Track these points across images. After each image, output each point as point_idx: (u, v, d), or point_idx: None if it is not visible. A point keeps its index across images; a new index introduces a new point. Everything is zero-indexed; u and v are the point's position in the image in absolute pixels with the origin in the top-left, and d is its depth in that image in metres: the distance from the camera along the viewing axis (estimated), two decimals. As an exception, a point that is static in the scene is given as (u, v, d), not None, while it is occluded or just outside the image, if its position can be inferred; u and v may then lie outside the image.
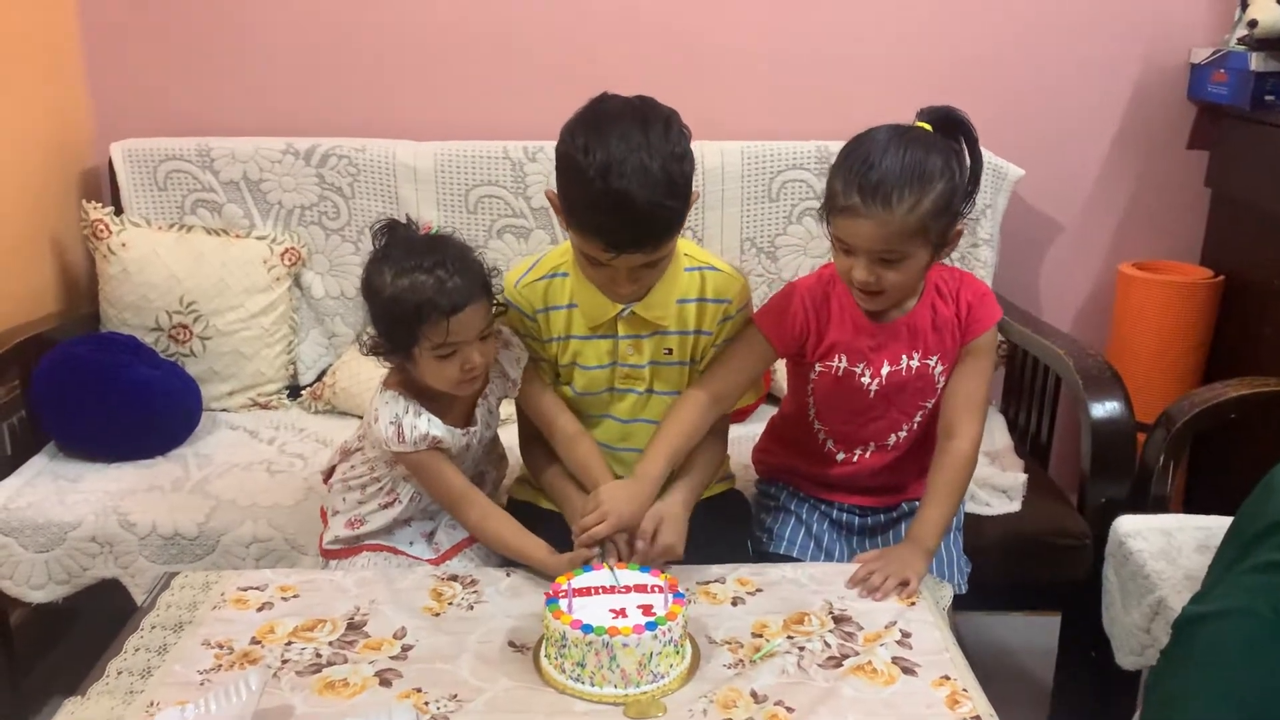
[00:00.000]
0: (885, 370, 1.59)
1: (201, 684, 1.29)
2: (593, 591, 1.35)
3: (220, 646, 1.37)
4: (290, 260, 2.34)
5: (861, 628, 1.41)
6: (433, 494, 1.60)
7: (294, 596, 1.49)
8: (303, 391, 2.37)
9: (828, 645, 1.37)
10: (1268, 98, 2.25)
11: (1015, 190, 2.42)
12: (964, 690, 1.29)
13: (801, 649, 1.36)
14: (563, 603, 1.32)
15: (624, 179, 1.38)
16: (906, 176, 1.42)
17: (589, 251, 1.48)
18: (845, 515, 1.73)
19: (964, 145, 1.51)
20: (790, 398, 1.74)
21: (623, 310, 1.59)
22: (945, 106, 1.51)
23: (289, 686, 1.29)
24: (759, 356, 1.62)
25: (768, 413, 2.22)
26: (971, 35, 2.47)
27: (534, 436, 1.71)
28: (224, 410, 2.31)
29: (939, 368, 1.61)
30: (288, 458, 2.08)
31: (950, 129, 1.50)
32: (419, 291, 1.45)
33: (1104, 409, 1.89)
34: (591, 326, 1.61)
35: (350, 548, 1.67)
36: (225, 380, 2.30)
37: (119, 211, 2.35)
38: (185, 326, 2.26)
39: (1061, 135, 2.52)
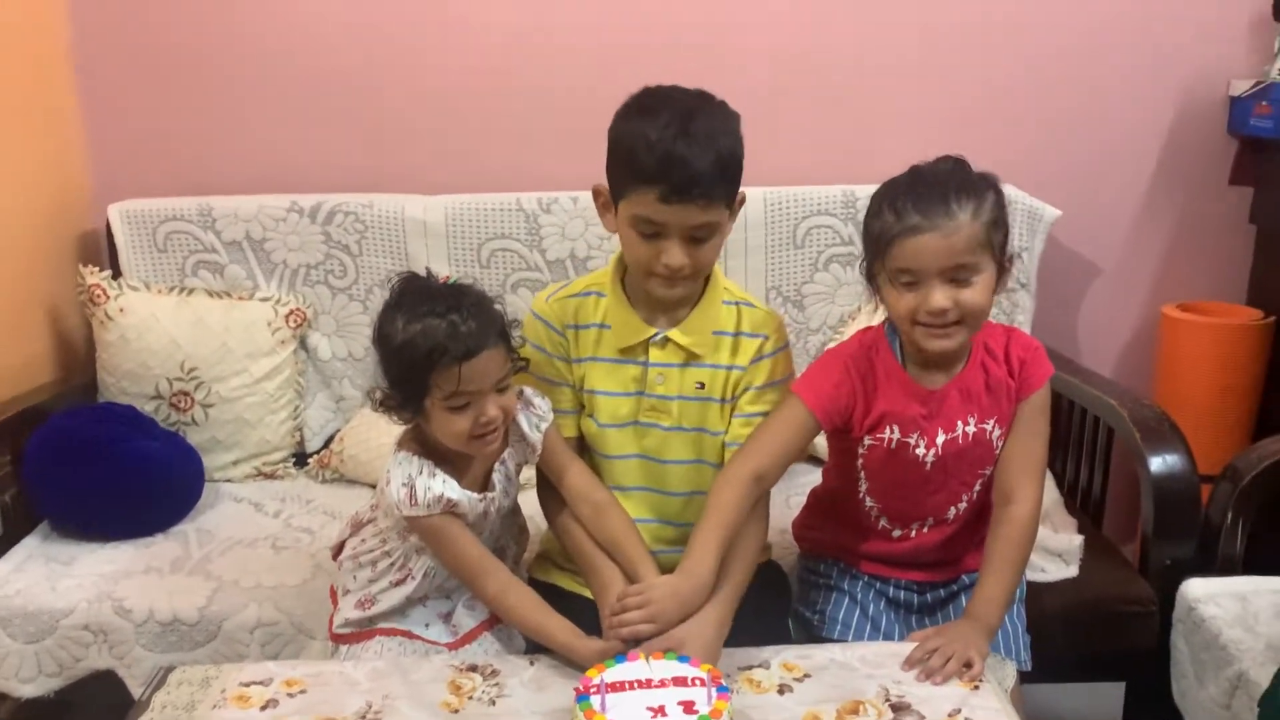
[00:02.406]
0: (941, 440, 1.48)
1: (198, 799, 1.17)
2: (627, 686, 1.23)
3: (220, 752, 1.25)
4: (295, 321, 2.25)
5: (923, 717, 1.28)
6: (447, 565, 1.49)
7: (301, 692, 1.36)
8: (310, 459, 2.26)
9: (888, 739, 1.24)
10: (1316, 129, 2.15)
11: (1051, 232, 2.32)
12: (1043, 789, 1.16)
13: (859, 744, 1.23)
14: (595, 699, 1.20)
15: (685, 128, 1.38)
16: (958, 187, 1.37)
17: (643, 211, 1.41)
18: (903, 593, 1.60)
19: None
20: (835, 472, 1.62)
21: (655, 335, 1.52)
22: (955, 156, 1.45)
23: (295, 799, 1.17)
24: (801, 429, 1.49)
25: (801, 470, 2.14)
26: (1001, 73, 2.39)
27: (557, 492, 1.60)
28: (228, 481, 2.20)
29: (996, 431, 1.50)
30: (294, 532, 1.97)
31: (965, 168, 1.44)
32: (431, 336, 1.36)
33: (1164, 463, 1.77)
34: (621, 349, 1.54)
35: (362, 631, 1.55)
36: (229, 449, 2.20)
37: (117, 275, 2.26)
38: (187, 394, 2.16)
39: (1098, 174, 2.43)
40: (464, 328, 1.37)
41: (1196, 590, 1.67)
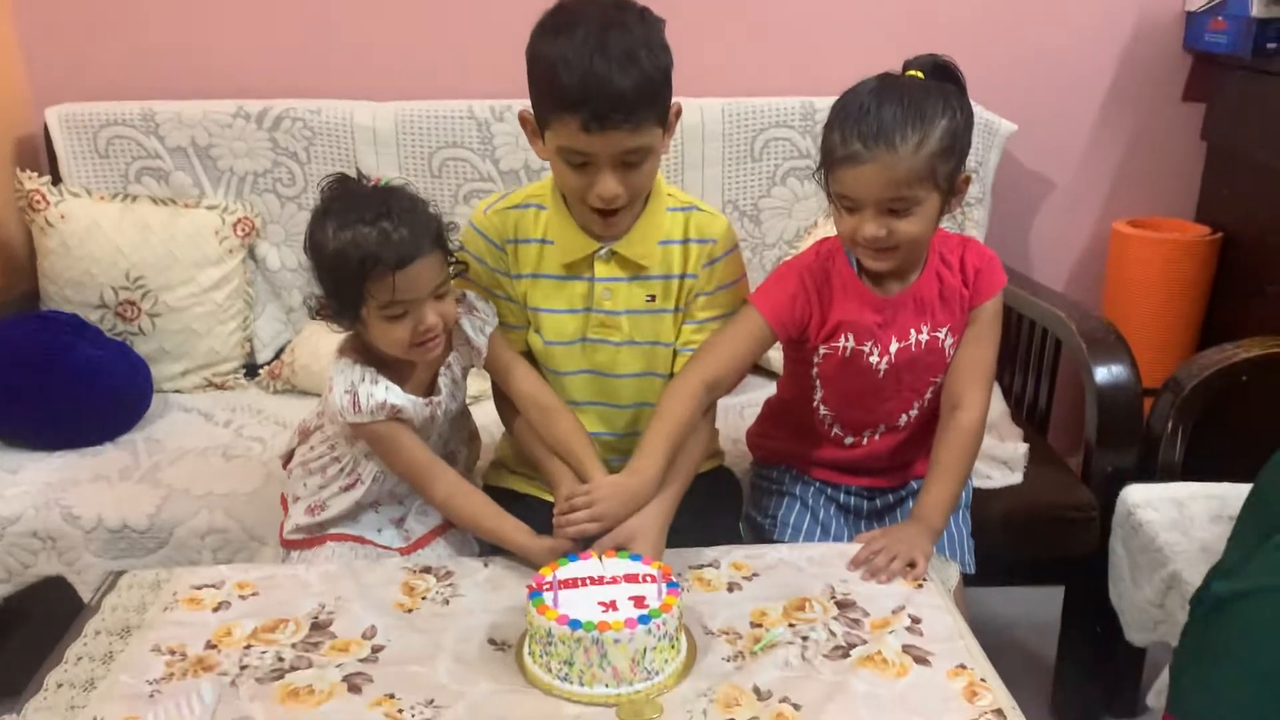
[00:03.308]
0: (894, 347, 1.49)
1: (151, 696, 1.17)
2: (579, 583, 1.24)
3: (172, 653, 1.24)
4: (244, 231, 2.20)
5: (868, 614, 1.31)
6: (395, 470, 1.48)
7: (253, 594, 1.37)
8: (260, 370, 2.23)
9: (833, 634, 1.27)
10: (1269, 45, 2.15)
11: (1006, 146, 2.32)
12: (982, 680, 1.19)
13: (805, 639, 1.26)
14: (547, 596, 1.21)
15: (602, 46, 1.30)
16: (907, 116, 1.34)
17: (568, 141, 1.35)
18: (853, 499, 1.63)
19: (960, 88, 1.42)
20: (789, 381, 1.63)
21: (600, 249, 1.49)
22: (932, 55, 1.42)
23: (248, 695, 1.17)
24: (756, 340, 1.49)
25: (755, 384, 2.15)
26: (959, -15, 2.36)
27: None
28: (176, 392, 2.17)
29: (949, 340, 1.51)
30: (245, 441, 1.96)
31: (941, 76, 1.41)
32: (362, 245, 1.33)
33: (1109, 373, 1.80)
34: (566, 264, 1.50)
35: (313, 537, 1.55)
36: (177, 360, 2.17)
37: (57, 181, 2.20)
38: (132, 303, 2.12)
39: (1053, 89, 2.42)
40: (396, 235, 1.33)
41: (1135, 496, 1.71)
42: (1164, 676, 1.45)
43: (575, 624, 1.15)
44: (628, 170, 1.39)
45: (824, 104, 2.19)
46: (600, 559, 1.29)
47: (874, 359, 1.49)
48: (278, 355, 2.25)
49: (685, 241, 1.52)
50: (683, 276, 1.53)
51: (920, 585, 1.37)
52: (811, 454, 1.62)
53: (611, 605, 1.20)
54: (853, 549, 1.43)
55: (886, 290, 1.48)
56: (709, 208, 1.56)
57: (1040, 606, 2.05)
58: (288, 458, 1.62)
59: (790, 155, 2.26)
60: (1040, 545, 1.82)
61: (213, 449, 1.93)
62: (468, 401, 1.62)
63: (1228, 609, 1.21)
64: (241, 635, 1.28)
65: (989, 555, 1.62)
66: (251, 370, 2.25)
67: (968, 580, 1.55)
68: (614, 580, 1.25)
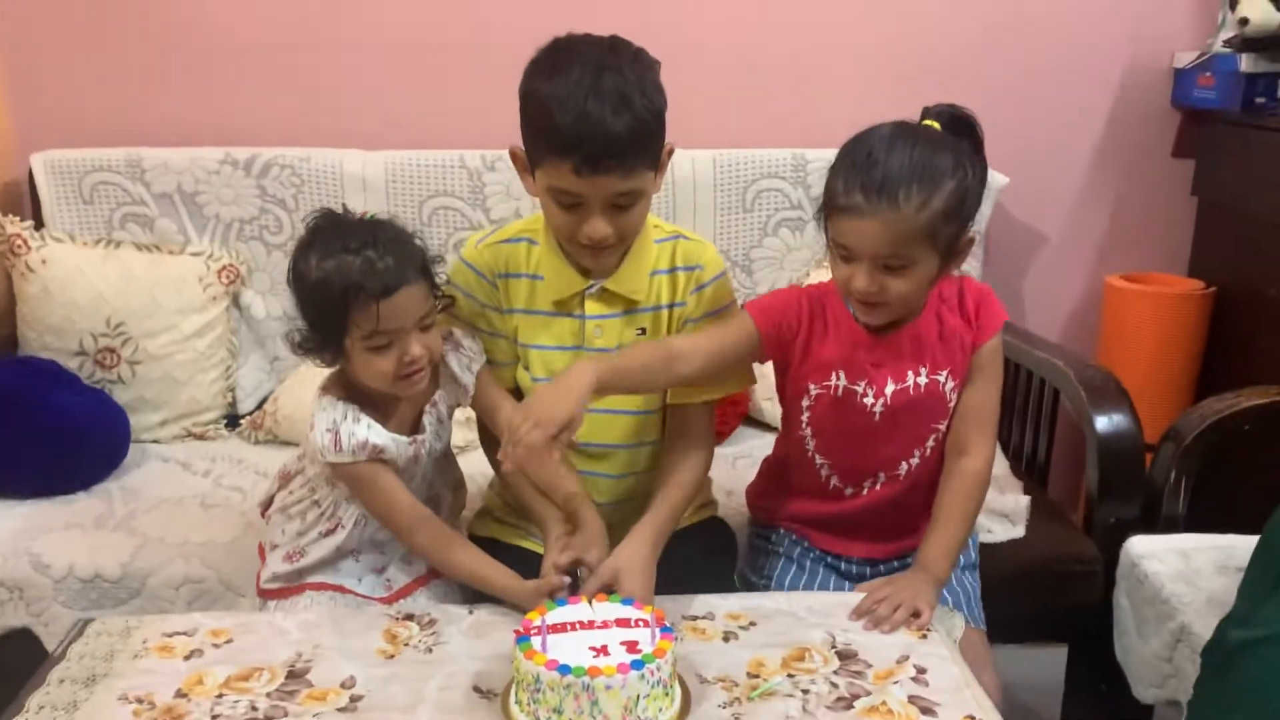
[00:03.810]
0: (890, 389, 1.43)
1: (114, 746, 1.11)
2: (569, 628, 1.19)
3: (140, 701, 1.18)
4: (228, 278, 2.17)
5: (870, 665, 1.25)
6: (376, 514, 1.43)
7: (227, 642, 1.30)
8: (242, 420, 2.18)
9: (834, 686, 1.21)
10: (1259, 99, 2.17)
11: (999, 200, 2.32)
12: (992, 730, 1.14)
13: (806, 691, 1.20)
14: (535, 641, 1.15)
15: (596, 89, 1.28)
16: (915, 173, 1.28)
17: (558, 183, 1.34)
18: (854, 567, 1.55)
19: (975, 142, 1.37)
20: (783, 436, 1.57)
21: (590, 286, 1.46)
22: (952, 105, 1.37)
23: (218, 747, 1.11)
24: (739, 333, 1.44)
25: (749, 434, 2.12)
26: (949, 41, 2.38)
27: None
28: (155, 442, 2.12)
29: (950, 384, 1.44)
30: (224, 491, 1.90)
31: (958, 128, 1.35)
32: (346, 273, 1.30)
33: (1110, 422, 1.78)
34: (555, 301, 1.48)
35: (291, 586, 1.49)
36: (157, 409, 2.12)
37: (39, 226, 2.16)
38: (113, 350, 2.08)
39: (1043, 144, 2.44)
40: (380, 264, 1.31)
41: (1140, 547, 1.67)
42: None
43: (565, 669, 1.09)
44: (618, 212, 1.37)
45: (815, 155, 2.21)
46: (590, 603, 1.24)
47: (868, 400, 1.43)
48: (260, 405, 2.20)
49: (673, 270, 1.50)
50: (671, 306, 1.50)
51: (925, 635, 1.32)
52: (810, 512, 1.54)
53: (603, 650, 1.14)
54: (854, 598, 1.38)
55: (883, 330, 1.44)
56: (695, 235, 1.54)
57: (1043, 667, 1.98)
58: (267, 504, 1.57)
59: (782, 206, 2.25)
60: (1044, 600, 1.77)
61: (190, 498, 1.87)
62: (455, 451, 1.58)
63: (1240, 657, 1.18)
64: (214, 684, 1.21)
65: (991, 612, 1.56)
66: (233, 421, 2.20)
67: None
68: (605, 625, 1.19)
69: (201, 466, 2.01)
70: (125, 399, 2.07)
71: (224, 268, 2.17)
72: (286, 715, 1.15)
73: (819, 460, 1.51)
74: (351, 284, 1.30)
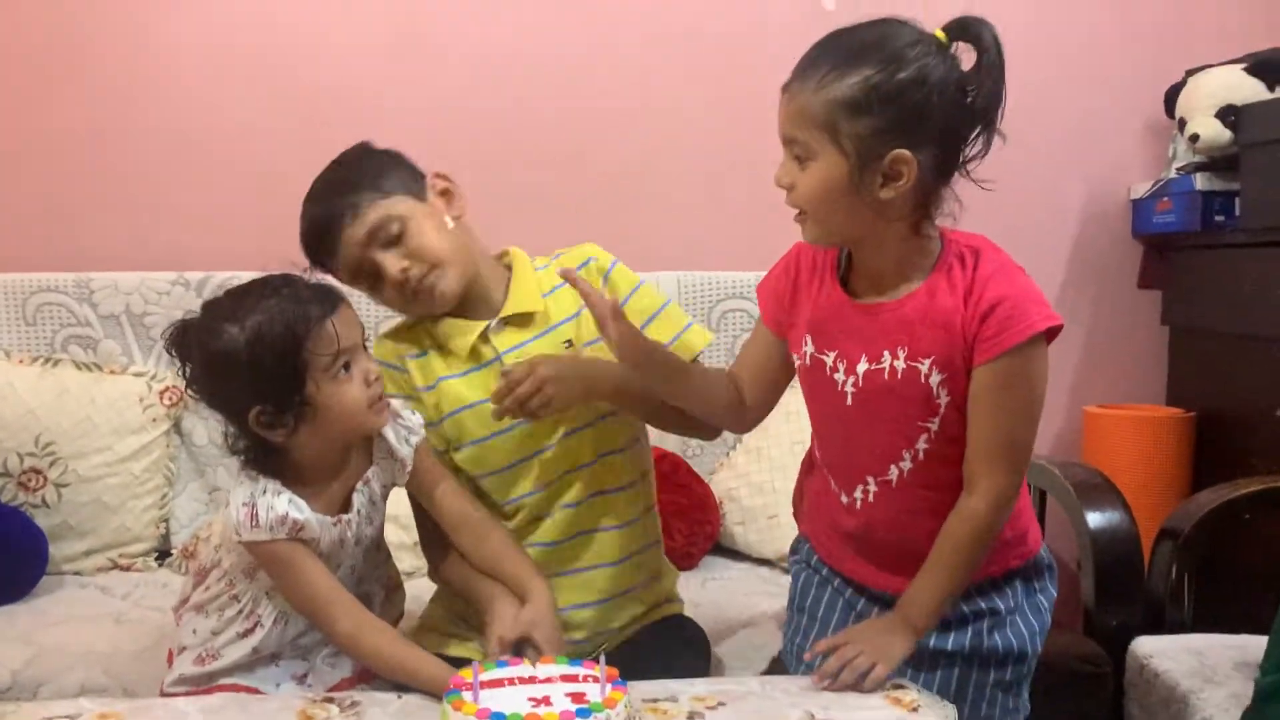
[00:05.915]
0: (862, 368, 1.24)
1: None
2: (506, 683, 1.04)
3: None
4: (170, 400, 2.06)
5: (855, 741, 1.10)
6: (294, 601, 1.29)
7: (115, 729, 1.13)
8: (173, 553, 2.02)
9: (815, 761, 1.05)
10: (1218, 217, 2.17)
11: (968, 328, 2.28)
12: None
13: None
14: (466, 694, 1.00)
15: (317, 196, 1.42)
16: (835, 53, 1.15)
17: (343, 278, 1.40)
18: (862, 602, 1.35)
19: (977, 61, 1.17)
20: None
21: (490, 323, 1.43)
22: (973, 16, 1.18)
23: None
24: (762, 339, 1.36)
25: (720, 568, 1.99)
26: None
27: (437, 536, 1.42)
28: (76, 574, 1.94)
29: (936, 376, 1.20)
30: (142, 610, 1.73)
31: (960, 34, 1.17)
32: (284, 311, 1.23)
33: (1103, 518, 1.66)
34: (469, 354, 1.42)
35: (199, 689, 1.32)
36: (82, 537, 1.96)
37: (-24, 345, 2.07)
38: (39, 471, 1.94)
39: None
40: (306, 293, 1.26)
41: (1147, 647, 1.53)
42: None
43: (499, 717, 0.94)
44: (392, 245, 1.37)
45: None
46: (533, 664, 1.09)
47: (839, 376, 1.26)
48: (195, 536, 2.04)
49: (565, 283, 1.40)
50: (581, 309, 1.43)
51: (916, 708, 1.16)
52: (819, 515, 1.39)
53: (545, 700, 0.99)
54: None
55: (863, 296, 1.26)
56: (570, 248, 1.51)
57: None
58: (181, 604, 1.41)
59: (747, 327, 2.19)
60: (1052, 708, 1.59)
61: (105, 615, 1.70)
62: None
63: (1272, 703, 1.04)
64: (93, 766, 1.04)
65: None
66: (163, 555, 2.04)
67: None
68: (548, 680, 1.05)
69: (121, 590, 1.84)
70: (47, 526, 1.91)
71: (166, 389, 2.06)
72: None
73: (817, 453, 1.37)
74: (297, 316, 1.23)
